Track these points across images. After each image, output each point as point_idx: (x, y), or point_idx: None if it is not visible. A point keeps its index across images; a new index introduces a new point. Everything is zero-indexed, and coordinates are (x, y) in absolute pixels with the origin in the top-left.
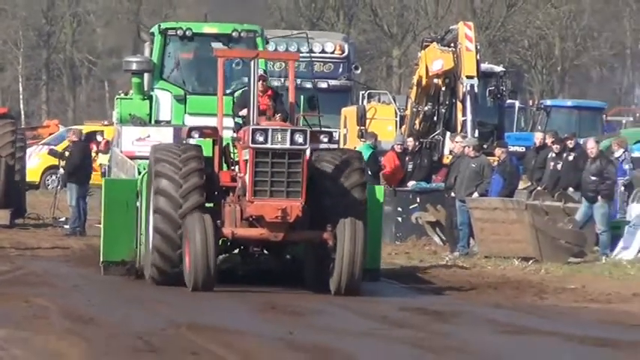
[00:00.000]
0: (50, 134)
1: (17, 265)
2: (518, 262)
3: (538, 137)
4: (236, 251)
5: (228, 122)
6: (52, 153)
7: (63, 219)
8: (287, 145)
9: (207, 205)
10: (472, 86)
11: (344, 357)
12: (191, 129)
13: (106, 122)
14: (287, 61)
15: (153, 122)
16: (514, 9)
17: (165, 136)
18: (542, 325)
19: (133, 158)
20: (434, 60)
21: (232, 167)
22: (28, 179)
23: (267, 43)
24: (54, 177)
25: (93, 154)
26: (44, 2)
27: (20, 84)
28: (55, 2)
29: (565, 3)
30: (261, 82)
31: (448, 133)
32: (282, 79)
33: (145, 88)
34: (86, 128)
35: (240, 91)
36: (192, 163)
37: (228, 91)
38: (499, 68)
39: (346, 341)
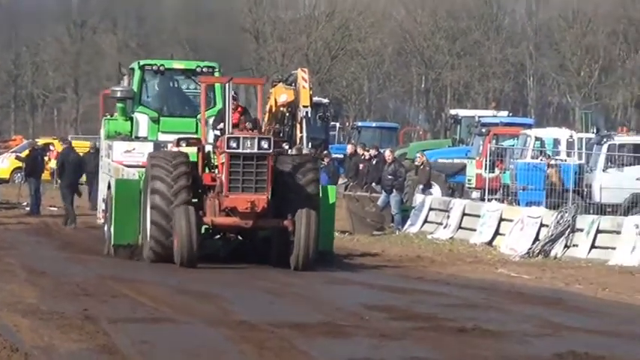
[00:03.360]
0: (17, 145)
1: None
2: (338, 234)
3: (350, 148)
4: (217, 237)
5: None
6: (18, 158)
7: (25, 203)
8: (255, 150)
9: (193, 200)
10: (307, 113)
11: (214, 299)
12: (180, 139)
13: (55, 137)
14: (255, 85)
15: (134, 138)
16: (335, 60)
17: (147, 149)
18: (353, 277)
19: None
20: (281, 94)
21: (212, 170)
22: (0, 176)
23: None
24: (19, 174)
25: (46, 159)
26: (12, 54)
27: None
28: (21, 54)
29: (371, 56)
30: (232, 101)
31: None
32: None
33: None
34: (42, 141)
35: (217, 110)
36: (181, 167)
37: (193, 113)
38: (325, 100)
39: (218, 289)
